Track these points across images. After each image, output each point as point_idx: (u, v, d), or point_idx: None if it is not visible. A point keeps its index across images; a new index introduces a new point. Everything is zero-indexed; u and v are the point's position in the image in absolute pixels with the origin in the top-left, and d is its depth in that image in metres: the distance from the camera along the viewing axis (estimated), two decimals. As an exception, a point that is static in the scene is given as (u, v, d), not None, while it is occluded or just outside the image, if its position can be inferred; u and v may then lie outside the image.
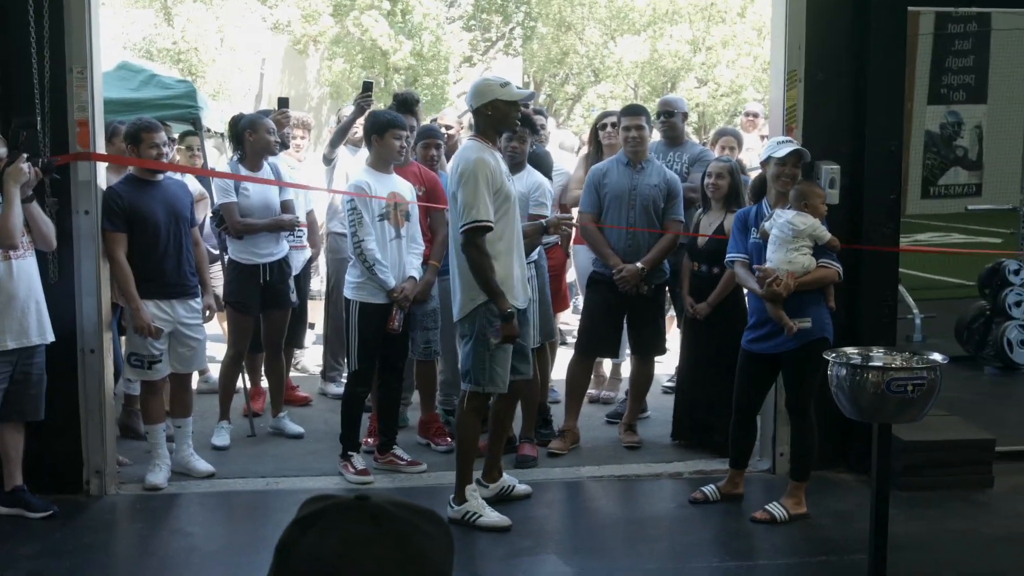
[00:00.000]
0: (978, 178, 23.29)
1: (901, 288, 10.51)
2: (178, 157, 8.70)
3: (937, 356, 4.20)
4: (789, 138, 5.90)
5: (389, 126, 6.17)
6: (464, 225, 5.30)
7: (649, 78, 27.46)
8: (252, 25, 27.96)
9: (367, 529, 1.33)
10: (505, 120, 5.60)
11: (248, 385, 7.49)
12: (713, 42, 26.77)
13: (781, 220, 5.47)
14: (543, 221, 6.31)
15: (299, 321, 7.84)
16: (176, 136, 7.13)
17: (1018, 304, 8.95)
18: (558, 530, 5.65)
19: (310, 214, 7.90)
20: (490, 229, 5.32)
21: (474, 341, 5.45)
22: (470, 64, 28.79)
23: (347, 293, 6.26)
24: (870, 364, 4.23)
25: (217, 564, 5.15)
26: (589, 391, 7.98)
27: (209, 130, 8.67)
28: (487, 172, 5.34)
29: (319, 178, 7.75)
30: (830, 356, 4.24)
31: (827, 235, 5.47)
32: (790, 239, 5.45)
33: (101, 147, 5.96)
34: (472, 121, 5.75)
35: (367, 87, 7.23)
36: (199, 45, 26.61)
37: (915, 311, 10.39)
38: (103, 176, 6.03)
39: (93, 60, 5.80)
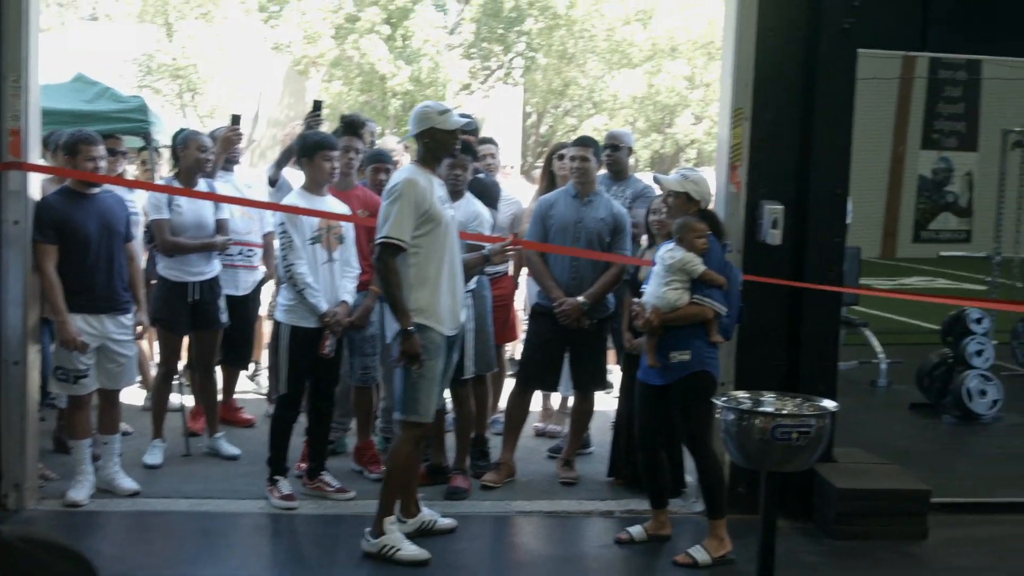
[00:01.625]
0: (968, 224, 23.24)
1: (867, 332, 10.44)
2: (138, 172, 8.67)
3: (828, 403, 4.10)
4: (681, 172, 5.85)
5: (318, 148, 6.10)
6: (376, 239, 5.34)
7: (646, 113, 27.47)
8: (253, 44, 28.02)
9: (-17, 564, 1.25)
10: (443, 148, 5.62)
11: (189, 404, 7.42)
12: (711, 79, 26.80)
13: (658, 254, 5.45)
14: (485, 251, 6.23)
15: (246, 342, 7.76)
16: (125, 150, 7.07)
17: (979, 353, 8.83)
18: (472, 566, 5.53)
19: (267, 236, 7.82)
20: (402, 250, 5.30)
21: (401, 367, 5.40)
22: (468, 92, 28.79)
23: (278, 316, 6.18)
24: (757, 410, 4.12)
25: (113, 587, 5.04)
26: (535, 424, 7.92)
27: (164, 146, 8.63)
28: (413, 193, 5.31)
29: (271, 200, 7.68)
30: (719, 401, 4.14)
31: (699, 269, 5.38)
32: (662, 273, 5.43)
33: (36, 157, 5.91)
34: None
35: (316, 106, 7.18)
36: (198, 62, 26.68)
37: (881, 355, 10.29)
38: (36, 187, 5.97)
39: (29, 69, 5.76)
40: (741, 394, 4.35)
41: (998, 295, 10.15)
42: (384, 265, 5.30)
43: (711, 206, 5.87)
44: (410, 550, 5.40)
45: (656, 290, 5.46)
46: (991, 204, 11.16)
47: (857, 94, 6.26)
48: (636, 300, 5.58)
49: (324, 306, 6.06)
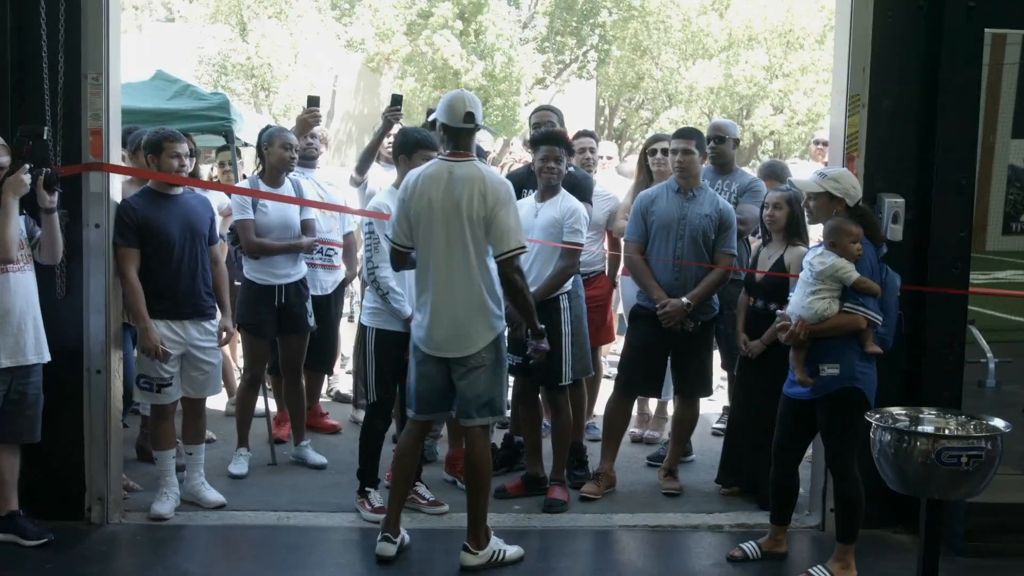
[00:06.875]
0: (1063, 217, 22.00)
1: (973, 330, 9.90)
2: (216, 173, 8.45)
3: (999, 422, 3.68)
4: (818, 171, 5.43)
5: (419, 146, 5.74)
6: (514, 250, 5.06)
7: (723, 104, 26.90)
8: (326, 42, 27.95)
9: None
10: None
11: (272, 411, 7.19)
12: (791, 68, 26.14)
13: (806, 259, 5.03)
14: None
15: (329, 345, 7.50)
16: (196, 148, 6.81)
17: (1101, 352, 8.29)
18: (579, 586, 5.21)
19: (348, 236, 7.59)
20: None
21: (497, 369, 5.18)
22: (543, 86, 28.46)
23: (364, 319, 5.91)
24: (919, 430, 3.71)
25: (203, 608, 4.80)
26: (632, 430, 7.57)
27: (247, 144, 8.41)
28: None
29: (356, 199, 7.41)
30: (873, 418, 3.74)
31: (853, 276, 4.93)
32: (810, 281, 5.00)
33: (116, 158, 5.68)
34: (448, 139, 5.23)
35: (396, 100, 6.92)
36: (273, 61, 26.63)
37: (989, 355, 9.75)
38: (117, 188, 5.75)
39: (110, 67, 5.53)
40: (896, 410, 3.94)
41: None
42: (520, 273, 5.15)
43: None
44: (511, 549, 5.32)
45: (802, 300, 5.04)
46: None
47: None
48: (781, 311, 5.17)
49: (408, 310, 5.75)
